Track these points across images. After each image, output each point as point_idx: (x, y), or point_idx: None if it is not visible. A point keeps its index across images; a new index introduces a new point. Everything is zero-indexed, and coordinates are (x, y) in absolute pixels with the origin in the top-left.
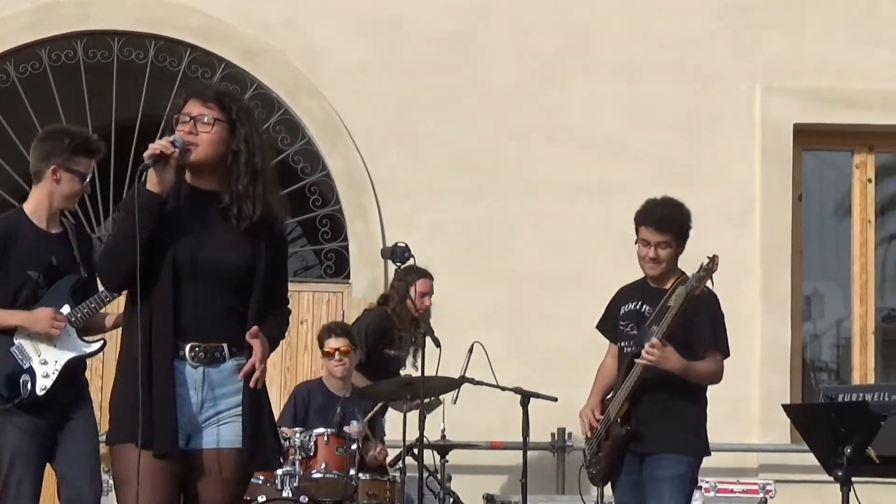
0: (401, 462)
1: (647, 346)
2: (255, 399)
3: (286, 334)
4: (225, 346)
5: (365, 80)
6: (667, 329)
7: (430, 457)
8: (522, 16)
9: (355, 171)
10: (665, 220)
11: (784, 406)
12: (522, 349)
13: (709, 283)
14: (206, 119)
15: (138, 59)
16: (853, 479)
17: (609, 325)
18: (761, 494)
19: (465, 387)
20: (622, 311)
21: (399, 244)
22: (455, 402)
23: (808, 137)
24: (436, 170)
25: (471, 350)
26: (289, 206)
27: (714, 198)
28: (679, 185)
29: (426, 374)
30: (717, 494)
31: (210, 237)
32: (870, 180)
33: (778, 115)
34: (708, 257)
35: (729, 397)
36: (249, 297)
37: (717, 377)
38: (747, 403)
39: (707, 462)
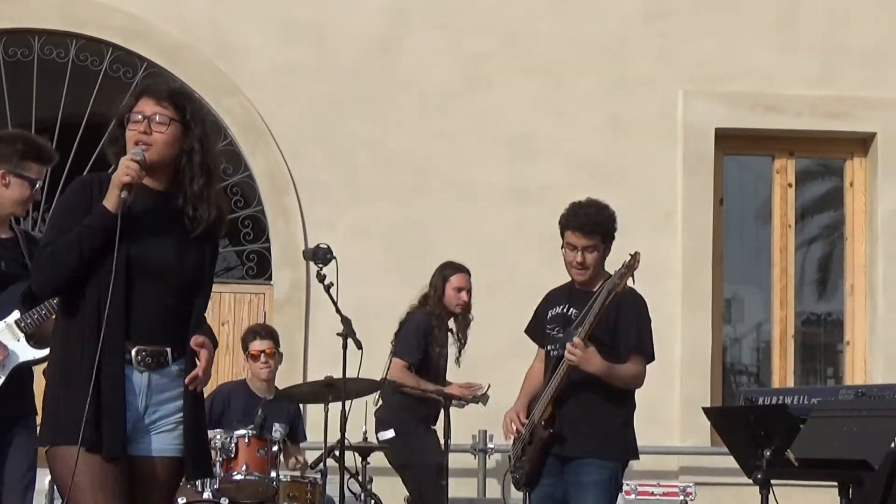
0: (322, 464)
1: (568, 345)
2: (197, 409)
3: None
4: (169, 350)
5: (287, 80)
6: (589, 329)
7: (351, 458)
8: (448, 17)
9: (277, 171)
10: (590, 224)
11: (704, 409)
12: None
13: (634, 285)
14: (160, 118)
15: (59, 58)
16: (772, 481)
17: (537, 329)
18: (681, 497)
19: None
20: (549, 314)
21: (321, 245)
22: (377, 405)
23: (729, 142)
24: (359, 171)
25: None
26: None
27: (637, 201)
28: (603, 188)
29: (348, 375)
30: (638, 497)
31: (160, 238)
32: (790, 185)
33: (700, 119)
34: (630, 254)
35: (649, 400)
36: (191, 301)
37: (639, 380)
38: (668, 406)
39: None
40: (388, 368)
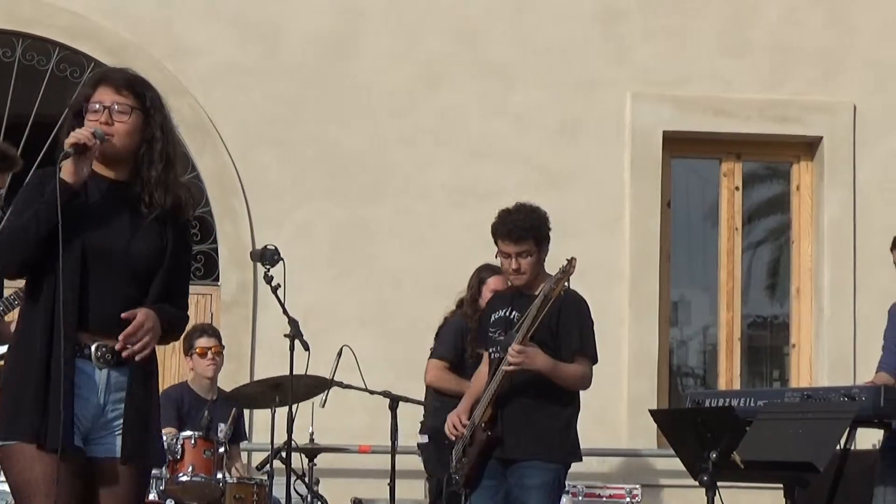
0: (269, 465)
1: (510, 350)
2: (145, 398)
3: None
4: (130, 346)
5: (235, 81)
6: (527, 332)
7: (298, 460)
8: (403, 18)
9: (225, 172)
10: (519, 230)
11: (651, 411)
12: (392, 353)
13: (575, 288)
14: (120, 108)
15: (5, 58)
16: (718, 483)
17: (482, 333)
18: (628, 499)
19: (334, 390)
20: (492, 318)
21: (269, 247)
22: (323, 406)
23: (676, 145)
24: (308, 172)
25: (340, 353)
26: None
27: (585, 203)
28: (551, 190)
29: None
30: (585, 499)
31: (121, 228)
32: (737, 188)
33: (647, 122)
34: (567, 259)
35: (596, 402)
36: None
37: (584, 382)
38: (615, 408)
39: (574, 466)
40: (426, 373)
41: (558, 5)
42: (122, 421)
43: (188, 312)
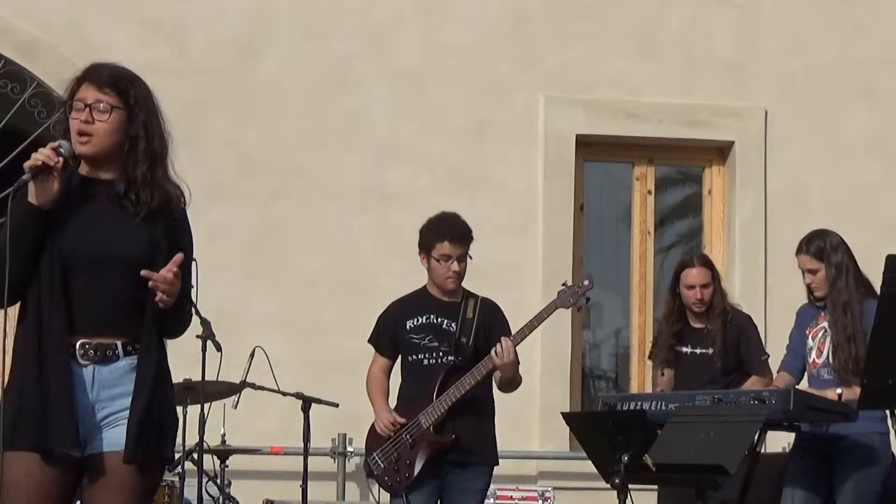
0: (180, 466)
1: (504, 344)
2: (149, 395)
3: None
4: (119, 343)
5: (148, 81)
6: (521, 338)
7: (209, 461)
8: (313, 19)
9: None
10: (466, 234)
11: (563, 414)
12: (304, 354)
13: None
14: (102, 107)
15: None
16: (630, 486)
17: (386, 339)
18: (540, 501)
19: (246, 392)
20: (409, 324)
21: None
22: (236, 407)
23: (590, 148)
24: (219, 172)
25: (252, 354)
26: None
27: (497, 206)
28: (463, 193)
29: (207, 377)
30: (497, 501)
31: (103, 227)
32: (649, 192)
33: (561, 125)
34: (587, 277)
35: (510, 405)
36: (145, 288)
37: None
38: (527, 411)
39: None
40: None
41: (467, 8)
42: (114, 417)
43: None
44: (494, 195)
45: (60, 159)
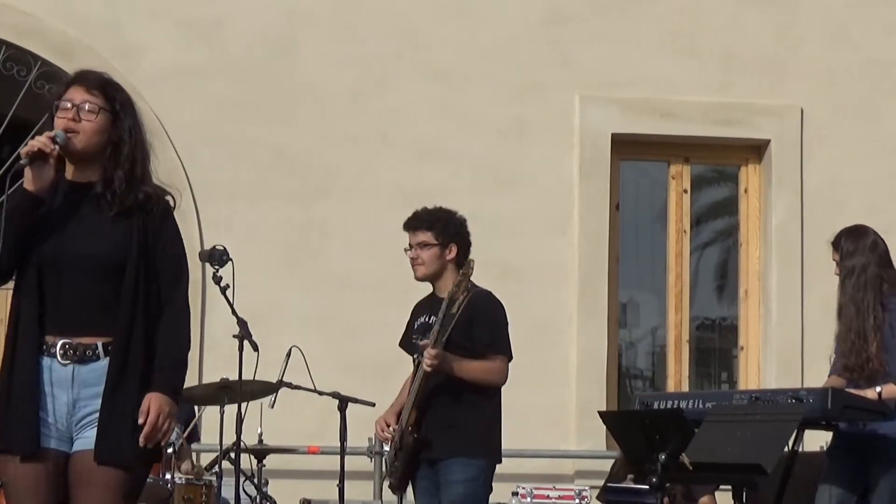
0: (217, 466)
1: (425, 353)
2: (115, 395)
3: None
4: (99, 343)
5: (183, 80)
6: (436, 336)
7: (247, 461)
8: (346, 18)
9: (173, 172)
10: (417, 219)
11: (600, 413)
12: (340, 354)
13: (526, 290)
14: (89, 107)
15: None
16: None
17: (407, 340)
18: (577, 500)
19: (283, 391)
20: (415, 325)
21: (217, 247)
22: (272, 407)
23: (625, 147)
24: (256, 172)
25: (289, 354)
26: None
27: (533, 205)
28: (500, 192)
29: (244, 377)
30: (534, 500)
31: (79, 227)
32: (685, 191)
33: (596, 124)
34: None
35: (546, 404)
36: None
37: (499, 376)
38: (564, 410)
39: (523, 468)
40: None
41: (503, 8)
42: (95, 416)
43: (187, 298)
44: (530, 194)
45: (56, 147)
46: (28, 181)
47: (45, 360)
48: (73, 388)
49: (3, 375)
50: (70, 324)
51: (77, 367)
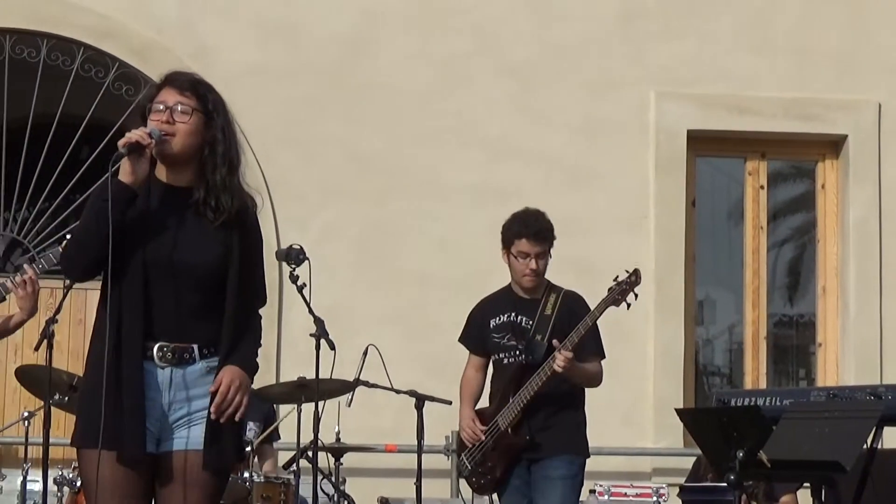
0: (295, 465)
1: (562, 354)
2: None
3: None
4: (195, 346)
5: (259, 80)
6: (577, 340)
7: (324, 459)
8: (419, 17)
9: (249, 172)
10: (544, 231)
11: (677, 410)
12: (417, 352)
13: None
14: (182, 108)
15: (30, 58)
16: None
17: (474, 337)
18: (654, 498)
19: (360, 389)
20: (492, 323)
21: (294, 246)
22: (349, 405)
23: (701, 144)
24: (332, 171)
25: (365, 353)
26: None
27: (609, 203)
28: (575, 190)
29: (321, 376)
30: (611, 498)
31: (182, 235)
32: (762, 187)
33: (672, 121)
34: (626, 271)
35: (623, 402)
36: (221, 295)
37: (599, 379)
38: (641, 408)
39: (601, 466)
40: None
41: (577, 5)
42: (188, 417)
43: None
44: (606, 191)
45: (152, 140)
46: (125, 173)
47: (144, 364)
48: (170, 391)
49: (91, 374)
50: (167, 328)
51: (174, 370)
